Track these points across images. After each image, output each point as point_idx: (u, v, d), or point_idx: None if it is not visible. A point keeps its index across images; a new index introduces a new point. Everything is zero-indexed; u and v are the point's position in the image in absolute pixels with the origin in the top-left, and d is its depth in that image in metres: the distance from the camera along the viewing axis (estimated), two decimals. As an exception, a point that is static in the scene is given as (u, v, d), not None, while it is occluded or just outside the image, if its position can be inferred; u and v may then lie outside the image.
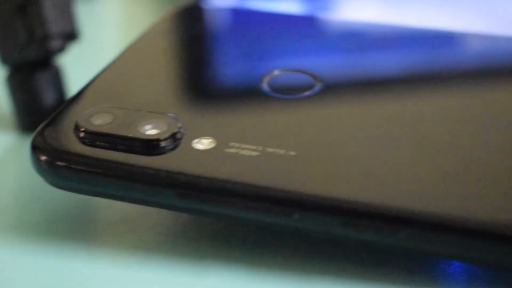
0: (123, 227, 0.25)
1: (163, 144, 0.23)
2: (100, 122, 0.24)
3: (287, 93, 0.26)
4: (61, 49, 0.29)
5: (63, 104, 0.25)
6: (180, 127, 0.23)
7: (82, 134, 0.23)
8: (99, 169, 0.23)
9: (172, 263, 0.23)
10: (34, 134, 0.24)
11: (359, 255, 0.23)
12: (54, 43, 0.29)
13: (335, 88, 0.26)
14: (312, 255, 0.23)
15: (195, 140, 0.23)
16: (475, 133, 0.24)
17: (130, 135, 0.23)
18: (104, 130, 0.23)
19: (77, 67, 0.32)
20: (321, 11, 0.39)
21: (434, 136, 0.24)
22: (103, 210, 0.26)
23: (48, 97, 0.30)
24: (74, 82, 0.30)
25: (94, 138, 0.23)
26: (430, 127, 0.24)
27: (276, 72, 0.27)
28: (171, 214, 0.25)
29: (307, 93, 0.26)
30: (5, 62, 0.29)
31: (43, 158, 0.23)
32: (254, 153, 0.23)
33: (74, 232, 0.25)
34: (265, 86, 0.26)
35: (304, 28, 0.31)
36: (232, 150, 0.23)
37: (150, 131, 0.23)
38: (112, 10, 0.43)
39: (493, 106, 0.25)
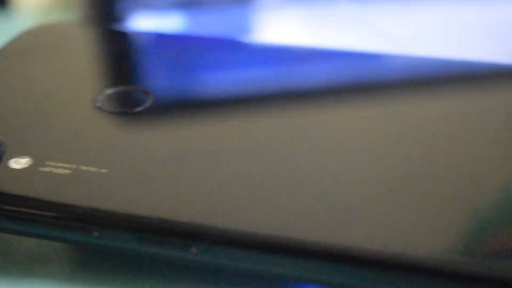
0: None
1: (-20, 164, 0.24)
2: None
3: (116, 110, 0.26)
4: None
5: None
6: (-1, 147, 0.24)
7: None
8: None
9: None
10: None
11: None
12: None
13: (164, 106, 0.27)
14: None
15: (12, 160, 0.24)
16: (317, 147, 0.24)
17: None
18: None
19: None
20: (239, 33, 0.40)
21: (253, 150, 0.24)
22: None
23: None
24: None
25: None
26: (256, 142, 0.24)
27: (111, 89, 0.27)
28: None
29: (137, 109, 0.26)
30: None
31: None
32: (67, 171, 0.23)
33: None
34: (96, 103, 0.27)
35: (157, 47, 0.31)
36: (46, 169, 0.23)
37: (-31, 151, 0.24)
38: (23, 24, 0.43)
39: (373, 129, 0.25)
